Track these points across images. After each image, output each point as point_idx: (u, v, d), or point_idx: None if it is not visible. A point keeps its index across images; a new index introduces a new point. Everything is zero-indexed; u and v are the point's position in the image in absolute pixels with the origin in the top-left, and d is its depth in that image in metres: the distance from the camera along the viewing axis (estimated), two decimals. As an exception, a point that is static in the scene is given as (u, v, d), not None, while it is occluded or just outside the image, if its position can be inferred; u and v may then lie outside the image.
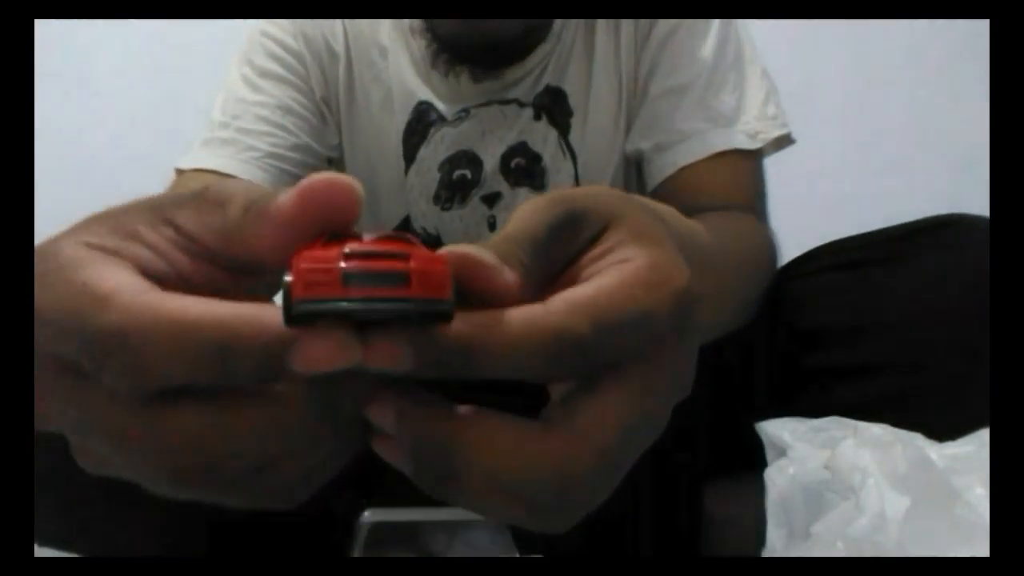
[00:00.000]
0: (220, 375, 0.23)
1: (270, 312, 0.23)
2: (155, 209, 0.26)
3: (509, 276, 0.26)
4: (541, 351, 0.24)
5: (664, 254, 0.27)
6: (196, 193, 0.27)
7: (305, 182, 0.24)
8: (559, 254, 0.28)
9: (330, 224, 0.24)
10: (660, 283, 0.26)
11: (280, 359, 0.22)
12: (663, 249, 0.27)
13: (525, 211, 0.28)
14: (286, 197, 0.25)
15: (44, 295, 0.24)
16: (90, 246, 0.25)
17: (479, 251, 0.25)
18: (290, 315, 0.22)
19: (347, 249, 0.23)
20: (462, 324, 0.24)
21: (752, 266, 0.63)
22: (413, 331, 0.23)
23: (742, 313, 0.61)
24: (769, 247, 0.69)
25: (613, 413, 0.25)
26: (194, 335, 0.22)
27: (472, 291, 0.25)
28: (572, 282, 0.27)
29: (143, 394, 0.23)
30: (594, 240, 0.28)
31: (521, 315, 0.24)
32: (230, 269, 0.27)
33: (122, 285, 0.23)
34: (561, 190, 0.29)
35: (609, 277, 0.26)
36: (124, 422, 0.24)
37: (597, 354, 0.25)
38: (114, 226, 0.26)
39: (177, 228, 0.26)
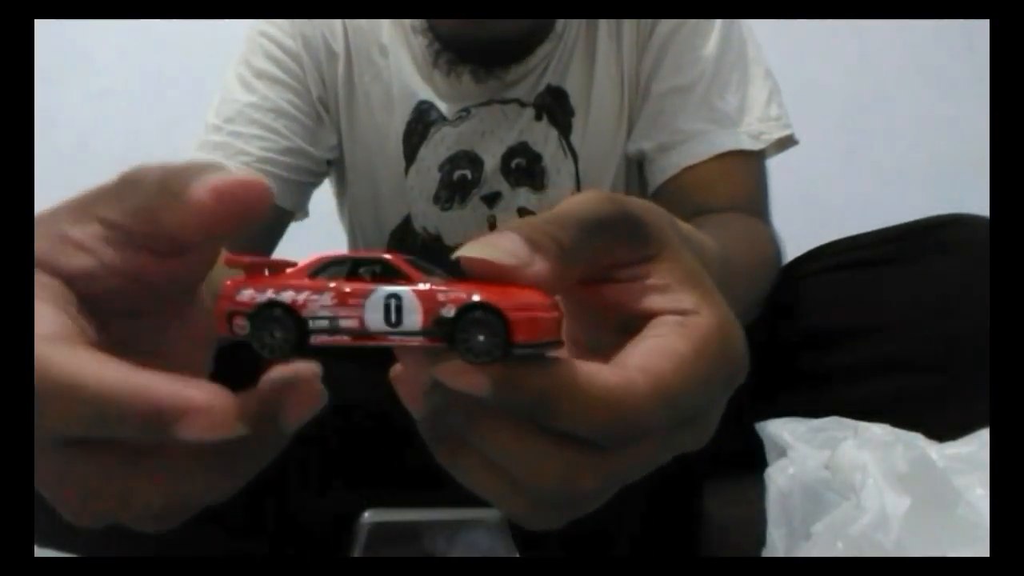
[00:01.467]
0: (107, 434, 0.24)
1: (156, 382, 0.24)
2: (80, 206, 0.27)
3: (539, 267, 0.25)
4: (607, 426, 0.25)
5: (723, 313, 0.28)
6: (116, 179, 0.28)
7: (218, 181, 0.26)
8: (606, 250, 0.28)
9: (242, 220, 0.26)
10: (724, 354, 0.27)
11: (165, 428, 0.23)
12: (720, 305, 0.28)
13: (579, 197, 0.28)
14: (203, 190, 0.26)
15: None
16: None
17: (498, 252, 0.25)
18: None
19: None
20: (546, 377, 0.24)
21: (757, 271, 0.63)
22: (501, 371, 0.24)
23: (745, 318, 0.61)
24: (774, 249, 0.69)
25: (640, 456, 0.27)
26: (82, 398, 0.23)
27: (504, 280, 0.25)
28: (623, 305, 0.28)
29: (52, 439, 0.25)
30: (643, 259, 0.28)
31: (605, 382, 0.25)
32: (155, 253, 0.28)
33: (40, 331, 0.24)
34: (619, 194, 0.29)
35: (681, 343, 0.26)
36: (39, 463, 0.25)
37: (656, 429, 0.26)
38: (44, 232, 0.27)
39: (101, 220, 0.27)
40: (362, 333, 0.25)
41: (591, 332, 0.30)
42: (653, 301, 0.27)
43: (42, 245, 0.26)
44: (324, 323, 0.24)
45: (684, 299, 0.27)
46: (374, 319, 0.24)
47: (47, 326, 0.25)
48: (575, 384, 0.24)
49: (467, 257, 0.25)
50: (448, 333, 0.24)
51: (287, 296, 0.25)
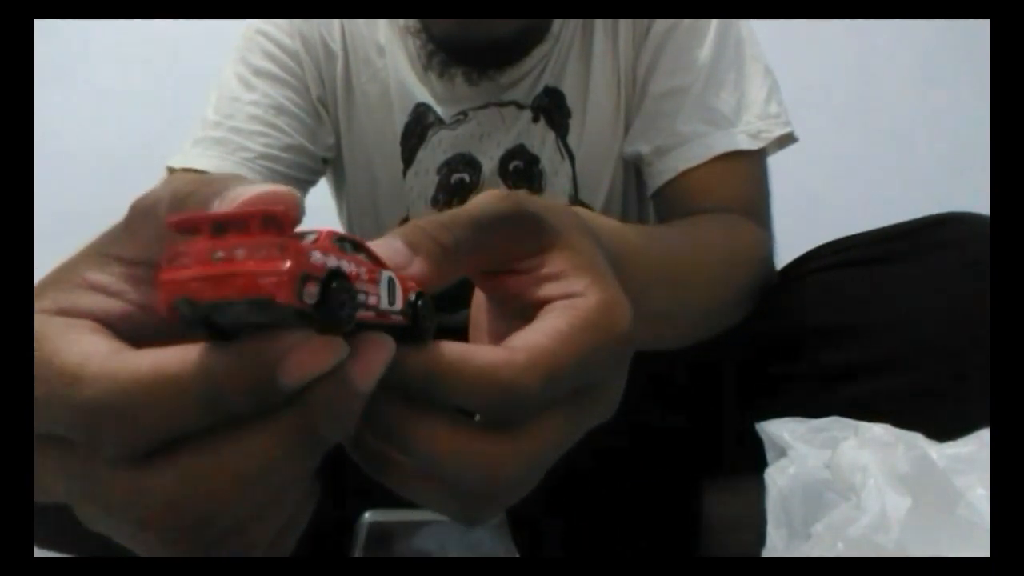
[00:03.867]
0: (211, 418, 0.23)
1: (262, 340, 0.23)
2: (98, 251, 0.27)
3: (415, 267, 0.28)
4: (490, 399, 0.26)
5: (611, 293, 0.30)
6: (125, 218, 0.27)
7: (252, 195, 0.25)
8: (500, 245, 0.30)
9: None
10: (608, 328, 0.29)
11: (271, 380, 0.22)
12: (608, 286, 0.30)
13: (480, 196, 0.30)
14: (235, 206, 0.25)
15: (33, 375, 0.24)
16: (47, 312, 0.25)
17: (386, 252, 0.27)
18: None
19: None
20: (428, 356, 0.26)
21: (725, 272, 0.62)
22: (382, 351, 0.24)
23: (715, 320, 0.61)
24: (762, 251, 0.69)
25: (546, 433, 0.28)
26: (180, 388, 0.23)
27: None
28: (521, 294, 0.30)
29: (133, 455, 0.24)
30: (540, 251, 0.30)
31: (484, 360, 0.26)
32: None
33: (88, 354, 0.24)
34: (516, 192, 0.31)
35: (562, 321, 0.28)
36: (111, 486, 0.24)
37: (537, 405, 0.27)
38: (64, 282, 0.26)
39: (120, 260, 0.27)
40: (377, 311, 0.25)
41: (501, 322, 0.32)
42: (547, 289, 0.30)
43: (67, 297, 0.26)
44: (363, 298, 0.24)
45: (574, 283, 0.30)
46: (383, 298, 0.25)
47: (101, 346, 0.24)
48: (454, 362, 0.26)
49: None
50: (412, 315, 0.26)
51: (346, 267, 0.24)
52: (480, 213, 0.29)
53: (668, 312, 0.52)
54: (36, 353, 0.24)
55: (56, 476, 0.25)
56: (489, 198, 0.30)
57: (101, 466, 0.23)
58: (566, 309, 0.29)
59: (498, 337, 0.31)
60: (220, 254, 0.22)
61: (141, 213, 0.27)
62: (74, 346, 0.24)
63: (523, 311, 0.30)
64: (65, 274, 0.27)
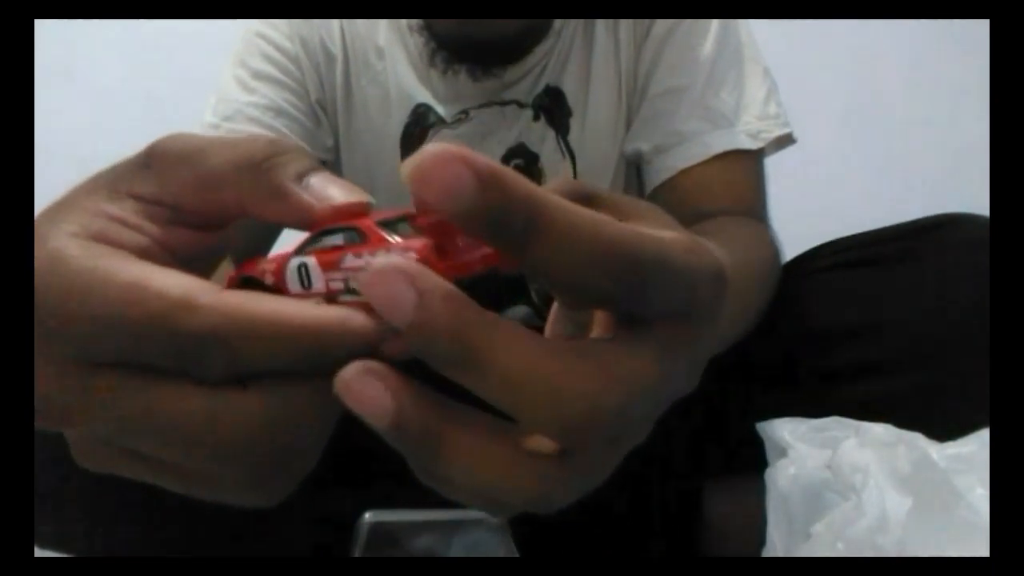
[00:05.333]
0: (315, 368, 0.23)
1: (356, 315, 0.23)
2: (110, 185, 0.26)
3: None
4: (606, 257, 0.21)
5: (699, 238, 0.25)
6: (144, 156, 0.26)
7: (338, 197, 0.25)
8: None
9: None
10: (703, 252, 0.24)
11: (374, 349, 0.23)
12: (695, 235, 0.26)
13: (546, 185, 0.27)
14: (317, 198, 0.25)
15: (67, 296, 0.23)
16: (78, 235, 0.24)
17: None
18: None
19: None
20: (532, 186, 0.21)
21: (761, 278, 0.63)
22: (484, 160, 0.21)
23: (751, 324, 0.62)
24: (774, 253, 0.69)
25: (652, 369, 0.23)
26: (295, 337, 0.23)
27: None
28: None
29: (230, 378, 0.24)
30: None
31: (589, 214, 0.22)
32: (191, 226, 0.27)
33: (189, 285, 0.23)
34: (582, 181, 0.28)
35: (661, 230, 0.24)
36: (201, 410, 0.23)
37: (650, 294, 0.22)
38: (83, 210, 0.25)
39: (137, 197, 0.26)
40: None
41: (568, 322, 0.30)
42: None
43: (94, 223, 0.25)
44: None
45: (658, 224, 0.26)
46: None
47: (196, 283, 0.23)
48: (559, 204, 0.21)
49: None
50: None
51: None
52: (557, 187, 0.27)
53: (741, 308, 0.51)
54: (95, 276, 0.23)
55: (110, 405, 0.24)
56: (553, 182, 0.28)
57: (189, 393, 0.23)
58: (658, 229, 0.24)
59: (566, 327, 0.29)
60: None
61: (176, 157, 0.26)
62: (157, 274, 0.23)
63: None
64: (80, 203, 0.26)
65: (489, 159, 0.20)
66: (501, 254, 0.23)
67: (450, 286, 0.21)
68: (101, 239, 0.25)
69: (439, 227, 0.23)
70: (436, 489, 0.24)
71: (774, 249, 0.69)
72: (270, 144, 0.26)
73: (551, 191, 0.23)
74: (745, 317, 0.60)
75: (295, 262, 0.25)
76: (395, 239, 0.23)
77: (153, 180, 0.26)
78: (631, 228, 0.22)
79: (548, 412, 0.21)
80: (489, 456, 0.23)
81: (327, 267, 0.24)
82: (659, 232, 0.23)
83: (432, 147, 0.20)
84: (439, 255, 0.23)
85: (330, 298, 0.24)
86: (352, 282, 0.24)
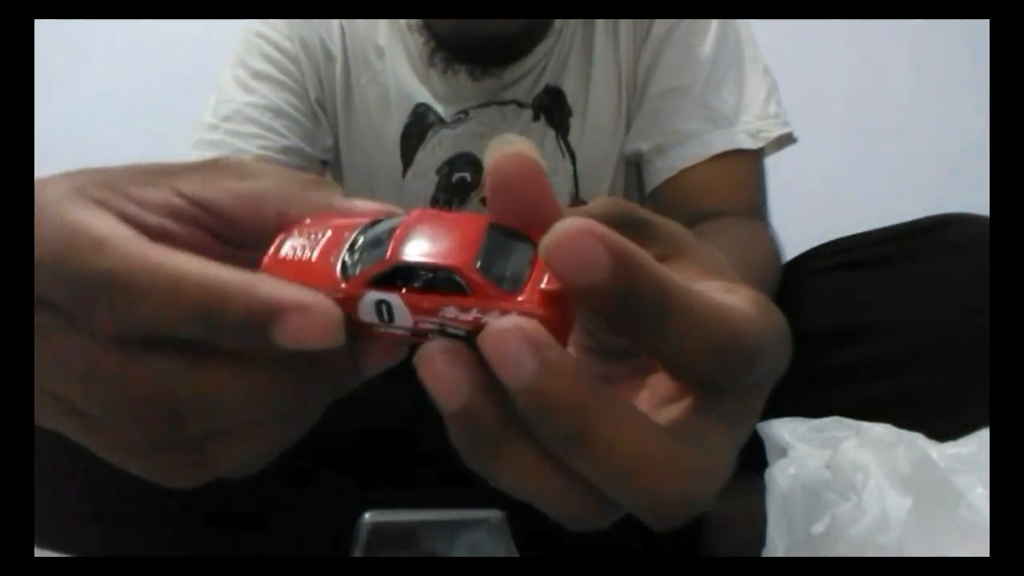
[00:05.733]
0: (202, 333, 0.23)
1: (263, 281, 0.23)
2: (158, 174, 0.26)
3: (560, 206, 0.24)
4: (721, 344, 0.22)
5: (761, 294, 0.26)
6: (199, 161, 0.27)
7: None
8: None
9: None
10: (779, 318, 0.25)
11: (264, 329, 0.22)
12: (756, 290, 0.26)
13: (591, 202, 0.27)
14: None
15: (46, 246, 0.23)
16: (74, 190, 0.25)
17: (535, 155, 0.23)
18: None
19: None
20: (660, 266, 0.21)
21: (761, 279, 0.63)
22: (622, 240, 0.20)
23: None
24: (775, 254, 0.69)
25: (730, 445, 0.24)
26: (185, 291, 0.22)
27: (520, 202, 0.23)
28: None
29: (123, 337, 0.23)
30: (661, 258, 0.26)
31: (708, 297, 0.22)
32: (224, 240, 0.27)
33: (114, 231, 0.23)
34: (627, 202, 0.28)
35: (740, 299, 0.24)
36: (98, 361, 0.23)
37: (748, 373, 0.23)
38: (102, 181, 0.25)
39: (180, 193, 0.26)
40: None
41: (592, 338, 0.29)
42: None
43: (100, 192, 0.25)
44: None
45: (718, 285, 0.25)
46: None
47: (126, 232, 0.23)
48: (686, 292, 0.21)
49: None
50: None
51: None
52: (601, 212, 0.25)
53: None
54: (54, 219, 0.23)
55: (41, 348, 0.24)
56: (600, 201, 0.27)
57: (94, 341, 0.23)
58: (732, 292, 0.25)
59: (602, 357, 0.28)
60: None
61: (229, 166, 0.27)
62: (99, 222, 0.23)
63: None
64: (104, 175, 0.26)
65: (622, 238, 0.21)
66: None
67: (575, 360, 0.21)
68: (97, 204, 0.25)
69: (558, 296, 0.22)
70: (480, 474, 0.24)
71: (774, 249, 0.69)
72: (317, 175, 0.27)
73: (599, 212, 0.25)
74: None
75: (372, 297, 0.23)
76: (516, 297, 0.22)
77: (199, 180, 0.26)
78: (742, 313, 0.23)
79: (644, 498, 0.22)
80: (541, 474, 0.23)
81: (420, 312, 0.22)
82: (754, 310, 0.24)
83: (569, 222, 0.20)
84: (556, 325, 0.22)
85: (418, 334, 0.23)
86: (452, 328, 0.22)
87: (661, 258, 0.26)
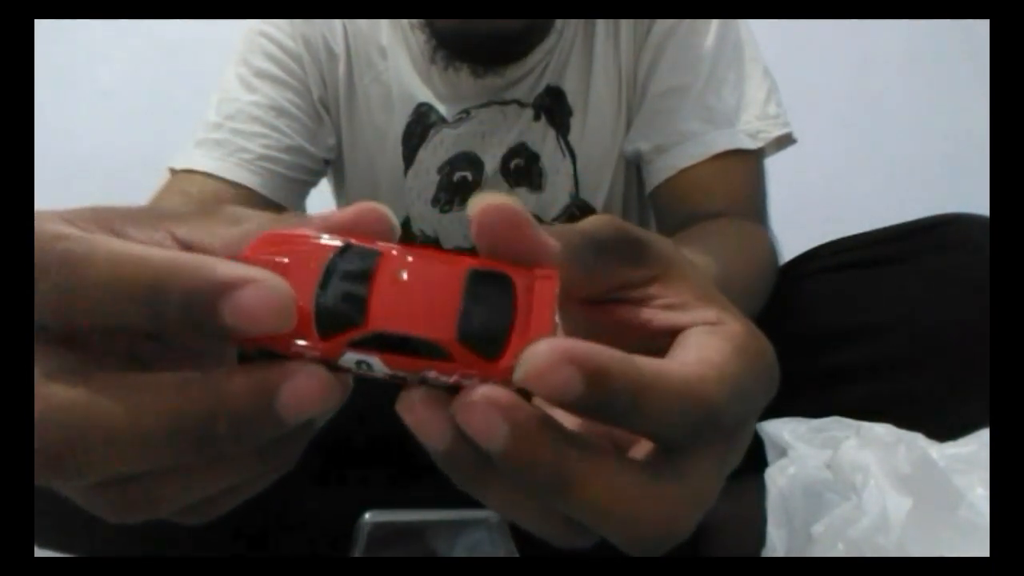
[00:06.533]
0: (146, 316, 0.22)
1: (209, 262, 0.22)
2: (154, 216, 0.26)
3: (547, 238, 0.24)
4: (694, 420, 0.23)
5: (747, 322, 0.27)
6: (204, 209, 0.26)
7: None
8: (614, 268, 0.27)
9: None
10: (761, 354, 0.26)
11: (212, 307, 0.21)
12: (740, 315, 0.27)
13: (585, 220, 0.27)
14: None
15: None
16: (62, 218, 0.24)
17: (517, 205, 0.24)
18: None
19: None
20: (630, 365, 0.22)
21: (756, 283, 0.63)
22: (592, 355, 0.22)
23: None
24: (771, 254, 0.69)
25: (714, 475, 0.25)
26: (129, 266, 0.22)
27: (509, 251, 0.24)
28: (643, 324, 0.27)
29: (63, 331, 0.23)
30: (652, 279, 0.27)
31: (680, 376, 0.23)
32: None
33: (72, 232, 0.23)
34: (617, 219, 0.28)
35: (720, 343, 0.25)
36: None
37: (724, 424, 0.24)
38: (94, 217, 0.25)
39: (173, 236, 0.25)
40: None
41: None
42: (676, 317, 0.27)
43: (88, 226, 0.24)
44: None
45: (707, 312, 0.27)
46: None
47: (80, 234, 0.23)
48: (657, 377, 0.23)
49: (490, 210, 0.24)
50: None
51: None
52: (595, 231, 0.26)
53: None
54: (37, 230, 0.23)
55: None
56: (592, 220, 0.27)
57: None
58: (715, 333, 0.26)
59: None
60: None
61: (229, 219, 0.26)
62: (74, 229, 0.23)
63: (646, 342, 0.27)
64: (95, 212, 0.25)
65: (594, 348, 0.22)
66: None
67: (547, 419, 0.22)
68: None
69: None
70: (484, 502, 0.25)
71: (771, 250, 0.69)
72: (296, 213, 0.26)
73: (594, 231, 0.26)
74: None
75: (351, 356, 0.22)
76: (496, 364, 0.22)
77: (192, 224, 0.25)
78: (717, 374, 0.24)
79: (622, 534, 0.24)
80: (524, 506, 0.24)
81: (400, 369, 0.23)
82: (730, 356, 0.25)
83: (542, 347, 0.21)
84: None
85: (398, 380, 0.23)
86: (433, 381, 0.23)
87: (652, 280, 0.27)
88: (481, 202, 0.24)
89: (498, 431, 0.21)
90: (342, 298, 0.23)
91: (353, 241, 0.24)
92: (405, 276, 0.23)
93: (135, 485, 0.24)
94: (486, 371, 0.22)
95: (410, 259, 0.23)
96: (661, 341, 0.27)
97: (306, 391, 0.22)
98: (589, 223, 0.27)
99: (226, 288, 0.21)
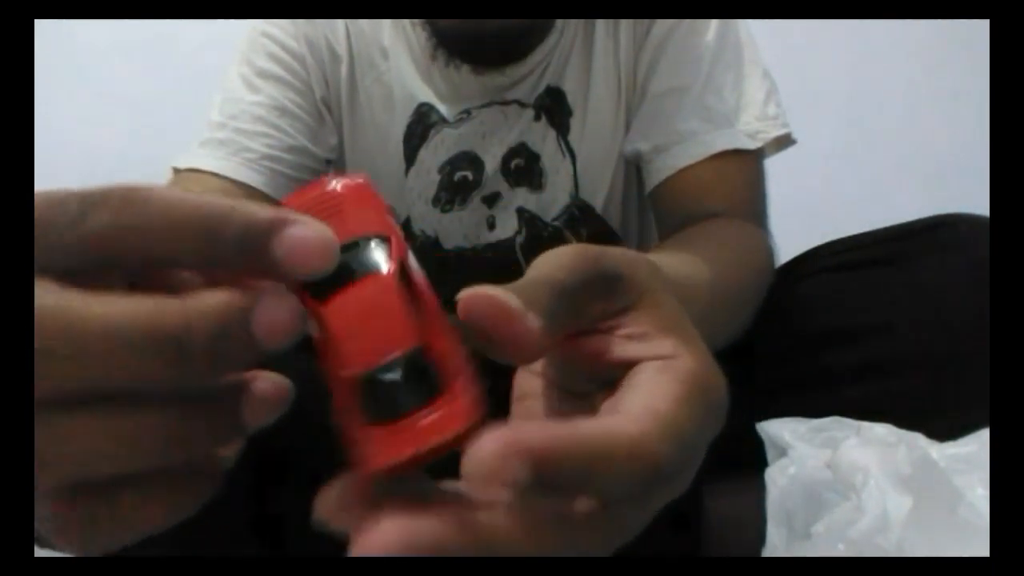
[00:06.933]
0: (204, 250, 0.23)
1: (261, 207, 0.24)
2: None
3: (533, 322, 0.25)
4: (643, 480, 0.24)
5: (702, 356, 0.27)
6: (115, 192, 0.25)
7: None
8: (587, 307, 0.27)
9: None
10: (710, 390, 0.27)
11: (265, 242, 0.23)
12: (698, 348, 0.28)
13: (551, 257, 0.28)
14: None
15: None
16: None
17: (505, 295, 0.25)
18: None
19: None
20: (578, 445, 0.23)
21: (750, 287, 0.63)
22: (540, 446, 0.22)
23: (733, 335, 0.62)
24: (766, 257, 0.69)
25: (646, 516, 0.26)
26: (191, 208, 0.23)
27: (493, 336, 0.25)
28: (600, 354, 0.28)
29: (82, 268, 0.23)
30: (623, 310, 0.28)
31: (627, 439, 0.24)
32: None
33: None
34: (588, 246, 0.29)
35: (668, 384, 0.26)
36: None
37: (666, 474, 0.25)
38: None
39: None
40: None
41: (572, 385, 0.30)
42: (632, 349, 0.27)
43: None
44: None
45: (664, 345, 0.27)
46: None
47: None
48: (605, 444, 0.23)
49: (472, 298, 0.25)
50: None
51: None
52: (558, 278, 0.27)
53: (718, 329, 0.52)
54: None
55: None
56: (564, 257, 0.28)
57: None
58: (665, 371, 0.26)
59: (555, 403, 0.30)
60: None
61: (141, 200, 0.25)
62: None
63: (605, 373, 0.28)
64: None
65: (537, 436, 0.22)
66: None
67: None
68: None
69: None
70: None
71: (766, 251, 0.69)
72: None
73: (566, 281, 0.27)
74: (728, 323, 0.60)
75: None
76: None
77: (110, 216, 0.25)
78: (656, 430, 0.25)
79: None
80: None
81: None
82: (673, 402, 0.26)
83: (490, 442, 0.22)
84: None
85: None
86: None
87: (624, 310, 0.28)
88: (470, 292, 0.25)
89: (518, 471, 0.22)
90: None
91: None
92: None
93: (98, 498, 0.24)
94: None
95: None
96: (618, 371, 0.27)
97: (278, 313, 0.23)
98: (562, 264, 0.27)
99: (277, 225, 0.23)
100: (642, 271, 0.29)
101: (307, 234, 0.23)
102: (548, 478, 0.22)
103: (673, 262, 0.46)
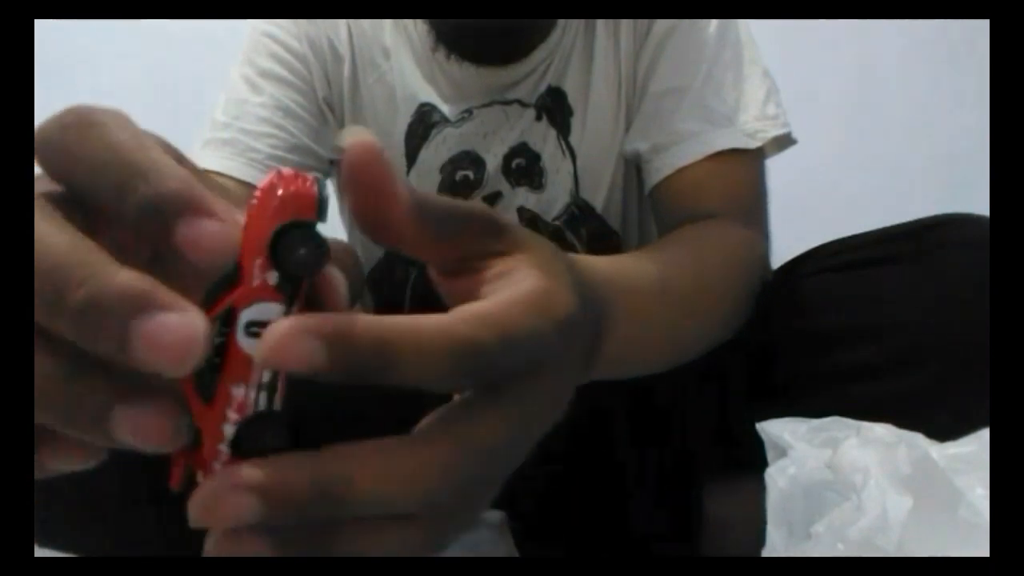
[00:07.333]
0: (115, 205, 0.24)
1: (173, 175, 0.24)
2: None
3: (402, 192, 0.26)
4: (451, 358, 0.24)
5: (555, 284, 0.29)
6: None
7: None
8: (465, 239, 0.29)
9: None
10: (547, 307, 0.28)
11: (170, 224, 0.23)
12: (556, 280, 0.29)
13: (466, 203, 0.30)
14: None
15: None
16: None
17: (385, 154, 0.26)
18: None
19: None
20: (376, 323, 0.23)
21: (721, 286, 0.62)
22: (330, 323, 0.22)
23: (719, 332, 0.61)
24: (757, 257, 0.68)
25: (482, 434, 0.26)
26: (113, 157, 0.24)
27: (365, 190, 0.26)
28: (471, 292, 0.29)
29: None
30: (499, 255, 0.30)
31: (433, 322, 0.24)
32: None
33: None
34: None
35: (503, 294, 0.27)
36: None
37: (498, 366, 0.26)
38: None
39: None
40: None
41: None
42: (494, 285, 0.29)
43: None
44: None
45: (521, 275, 0.28)
46: None
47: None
48: (407, 328, 0.24)
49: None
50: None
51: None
52: (455, 204, 0.29)
53: (671, 327, 0.52)
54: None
55: None
56: (463, 201, 0.30)
57: None
58: (507, 287, 0.28)
59: None
60: None
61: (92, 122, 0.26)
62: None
63: None
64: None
65: (332, 316, 0.23)
66: None
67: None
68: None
69: None
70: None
71: (758, 252, 0.69)
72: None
73: (465, 207, 0.28)
74: (698, 321, 0.58)
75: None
76: None
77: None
78: (474, 317, 0.25)
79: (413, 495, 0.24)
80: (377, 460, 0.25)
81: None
82: (505, 303, 0.27)
83: (282, 325, 0.22)
84: None
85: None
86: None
87: (500, 253, 0.30)
88: (352, 136, 0.25)
89: (314, 351, 0.22)
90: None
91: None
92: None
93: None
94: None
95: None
96: None
97: (171, 334, 0.22)
98: (454, 201, 0.29)
99: (185, 208, 0.23)
100: (524, 231, 0.31)
101: (213, 229, 0.23)
102: (345, 357, 0.22)
103: (610, 260, 0.46)
